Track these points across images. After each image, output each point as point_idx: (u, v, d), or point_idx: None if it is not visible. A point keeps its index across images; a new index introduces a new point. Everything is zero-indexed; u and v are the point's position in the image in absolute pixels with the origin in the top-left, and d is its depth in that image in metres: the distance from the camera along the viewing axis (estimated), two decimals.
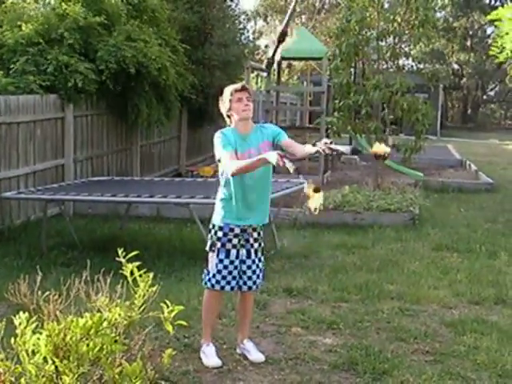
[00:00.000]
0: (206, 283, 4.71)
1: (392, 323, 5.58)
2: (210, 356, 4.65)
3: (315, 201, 3.97)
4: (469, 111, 46.18)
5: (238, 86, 4.61)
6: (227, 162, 4.40)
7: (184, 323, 2.58)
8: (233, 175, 4.43)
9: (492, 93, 47.78)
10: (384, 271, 7.19)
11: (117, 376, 2.29)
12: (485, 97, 46.87)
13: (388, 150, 4.26)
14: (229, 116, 4.63)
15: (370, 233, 9.06)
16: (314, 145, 4.19)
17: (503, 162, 19.77)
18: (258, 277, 4.75)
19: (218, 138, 4.54)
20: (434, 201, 11.61)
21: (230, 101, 4.55)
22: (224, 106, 4.62)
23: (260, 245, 4.75)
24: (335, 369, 4.67)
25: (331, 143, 4.09)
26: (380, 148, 4.26)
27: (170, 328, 2.45)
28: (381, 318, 5.71)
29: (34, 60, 9.81)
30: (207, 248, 4.70)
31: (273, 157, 4.00)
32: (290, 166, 3.86)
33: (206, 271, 4.70)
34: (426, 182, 13.63)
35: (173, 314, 2.48)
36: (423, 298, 6.25)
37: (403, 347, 5.07)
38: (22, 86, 9.35)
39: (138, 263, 2.59)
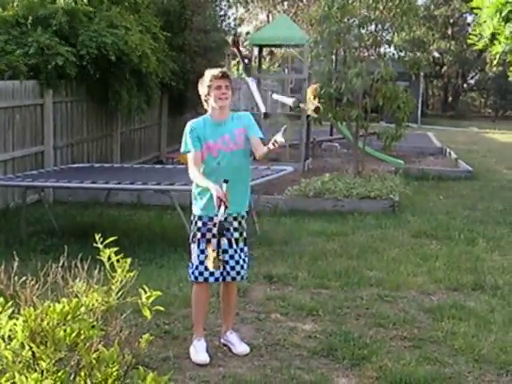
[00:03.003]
0: (190, 276, 4.66)
1: (371, 309, 5.62)
2: (199, 351, 4.58)
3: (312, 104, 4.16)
4: (449, 99, 46.37)
5: (217, 72, 4.53)
6: (190, 165, 4.56)
7: (162, 309, 2.58)
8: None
9: (472, 81, 48.00)
10: (364, 258, 7.23)
11: (94, 361, 2.30)
12: (465, 85, 47.09)
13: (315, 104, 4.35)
14: (206, 100, 4.59)
15: (350, 220, 9.09)
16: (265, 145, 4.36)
17: (482, 150, 19.91)
18: (242, 267, 4.68)
19: (186, 131, 4.58)
20: (413, 188, 11.66)
21: (209, 87, 4.51)
22: (202, 89, 4.58)
23: (241, 234, 4.67)
24: (314, 355, 4.70)
25: (275, 141, 4.22)
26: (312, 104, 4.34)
27: (147, 313, 2.45)
28: (360, 304, 5.75)
29: (15, 41, 9.71)
30: (189, 240, 4.66)
31: (214, 191, 4.26)
32: (221, 214, 4.22)
33: (189, 264, 4.66)
34: (406, 169, 13.70)
35: (151, 299, 2.47)
36: (402, 284, 6.30)
37: (382, 333, 5.11)
38: (7, 64, 9.26)
39: (115, 249, 2.58)
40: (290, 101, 4.73)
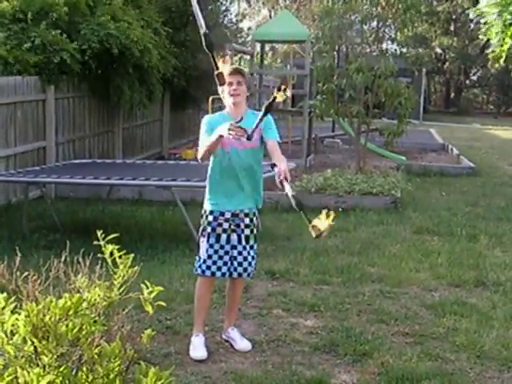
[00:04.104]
0: (196, 270, 4.66)
1: (373, 305, 5.62)
2: (197, 347, 4.58)
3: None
4: (451, 96, 46.29)
5: (229, 68, 4.52)
6: (199, 147, 4.50)
7: (164, 304, 2.58)
8: (201, 160, 4.49)
9: (474, 77, 47.89)
10: (365, 254, 7.23)
11: (96, 356, 2.30)
12: (467, 81, 46.98)
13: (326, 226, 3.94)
14: (223, 97, 4.58)
15: (351, 216, 9.08)
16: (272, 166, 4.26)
17: (485, 147, 19.88)
18: (249, 264, 4.67)
19: (202, 123, 4.57)
20: (415, 184, 11.65)
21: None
22: (219, 87, 4.56)
23: (252, 232, 4.65)
24: (316, 350, 4.70)
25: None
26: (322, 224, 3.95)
27: (149, 308, 2.45)
28: (362, 300, 5.75)
29: (16, 37, 9.69)
30: (199, 234, 4.67)
31: (223, 129, 4.10)
32: (242, 135, 4.04)
33: (197, 258, 4.65)
34: (408, 165, 13.69)
35: (152, 294, 2.48)
36: (404, 280, 6.30)
37: (384, 329, 5.11)
38: (15, 58, 9.29)
39: (117, 246, 2.58)
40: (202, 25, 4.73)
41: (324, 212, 3.88)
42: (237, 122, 4.14)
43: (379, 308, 5.55)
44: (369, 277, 6.39)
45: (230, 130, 4.07)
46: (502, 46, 9.13)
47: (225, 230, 4.56)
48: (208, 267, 4.59)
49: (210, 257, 4.58)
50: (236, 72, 4.48)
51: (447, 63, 43.48)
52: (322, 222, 3.89)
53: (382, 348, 4.71)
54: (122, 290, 2.49)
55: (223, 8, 17.10)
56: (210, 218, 4.57)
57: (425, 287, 6.18)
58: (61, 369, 2.26)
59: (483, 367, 4.49)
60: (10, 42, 9.52)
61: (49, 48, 9.72)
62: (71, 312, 2.28)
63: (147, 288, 2.48)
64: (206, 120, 4.58)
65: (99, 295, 2.42)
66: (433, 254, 7.30)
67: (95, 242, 2.64)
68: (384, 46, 12.66)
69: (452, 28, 43.08)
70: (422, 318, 5.40)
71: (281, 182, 4.11)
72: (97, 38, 10.22)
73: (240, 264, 4.64)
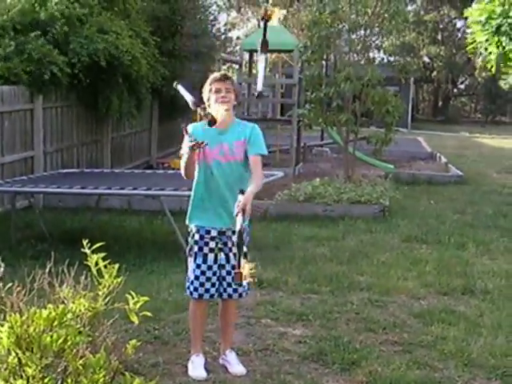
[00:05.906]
0: (185, 291, 4.51)
1: (361, 314, 5.61)
2: (197, 367, 4.42)
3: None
4: (439, 104, 46.51)
5: (217, 75, 4.39)
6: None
7: (149, 314, 2.57)
8: (186, 177, 4.38)
9: (462, 86, 48.14)
10: (354, 263, 7.23)
11: (81, 367, 2.28)
12: (455, 90, 47.23)
13: None
14: (208, 105, 4.38)
15: (340, 225, 9.09)
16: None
17: (473, 155, 19.96)
18: (240, 285, 4.42)
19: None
20: (404, 193, 11.69)
21: (210, 90, 4.33)
22: (204, 94, 4.40)
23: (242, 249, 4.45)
24: (304, 360, 4.69)
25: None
26: None
27: (134, 319, 2.44)
28: (350, 309, 5.75)
29: (14, 48, 9.68)
30: (186, 253, 4.50)
31: (185, 145, 4.07)
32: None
33: (186, 278, 4.48)
34: (397, 174, 13.72)
35: (138, 305, 2.46)
36: (392, 288, 6.30)
37: (372, 338, 5.11)
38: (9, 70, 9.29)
39: (103, 254, 2.57)
40: (189, 99, 4.63)
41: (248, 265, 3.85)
42: (210, 125, 4.10)
43: (367, 317, 5.54)
44: (357, 285, 6.39)
45: (189, 146, 4.02)
46: (490, 54, 9.18)
47: (212, 250, 4.35)
48: (195, 289, 4.40)
49: (197, 278, 4.38)
50: (225, 78, 4.34)
51: (435, 72, 43.71)
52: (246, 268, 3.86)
53: (370, 357, 4.70)
54: (107, 300, 2.48)
55: (211, 17, 17.13)
56: (197, 236, 4.37)
57: (413, 295, 6.18)
58: (45, 380, 2.24)
59: (471, 375, 4.49)
60: (9, 53, 9.53)
61: (40, 60, 9.69)
62: (56, 323, 2.27)
63: (133, 298, 2.47)
64: (191, 129, 4.37)
65: (84, 306, 2.41)
66: (421, 262, 7.31)
67: (82, 251, 2.63)
68: (371, 54, 12.73)
69: (439, 37, 43.36)
70: (410, 326, 5.40)
71: (237, 214, 3.93)
72: (86, 51, 10.22)
73: (229, 285, 4.44)
